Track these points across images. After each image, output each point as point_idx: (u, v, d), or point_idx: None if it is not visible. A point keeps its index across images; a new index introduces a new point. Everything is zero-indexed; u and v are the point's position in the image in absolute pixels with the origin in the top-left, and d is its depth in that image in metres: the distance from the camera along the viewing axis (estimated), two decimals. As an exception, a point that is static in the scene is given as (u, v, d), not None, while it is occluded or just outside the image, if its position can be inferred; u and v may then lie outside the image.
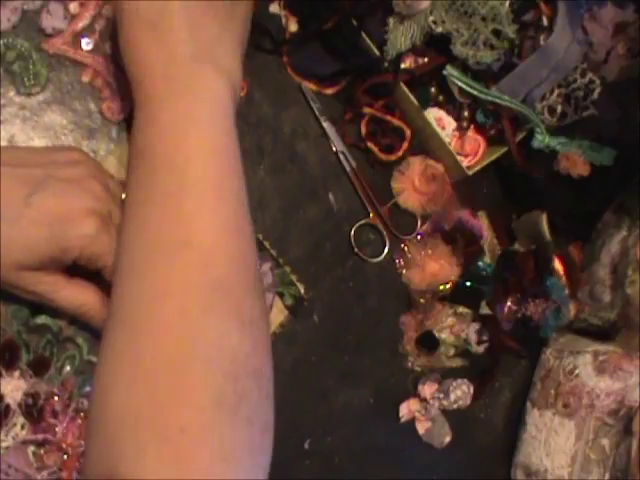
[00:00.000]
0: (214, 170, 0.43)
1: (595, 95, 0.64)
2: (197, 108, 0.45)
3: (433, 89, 0.68)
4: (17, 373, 0.53)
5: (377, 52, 0.65)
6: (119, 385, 0.37)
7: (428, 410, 0.68)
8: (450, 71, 0.64)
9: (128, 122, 0.61)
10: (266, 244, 0.64)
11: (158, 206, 0.41)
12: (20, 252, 0.45)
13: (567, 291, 0.70)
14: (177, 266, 0.39)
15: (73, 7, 0.59)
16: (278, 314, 0.64)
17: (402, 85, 0.65)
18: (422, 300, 0.69)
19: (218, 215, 0.42)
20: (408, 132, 0.68)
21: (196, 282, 0.39)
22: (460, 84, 0.65)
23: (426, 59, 0.67)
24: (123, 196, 0.51)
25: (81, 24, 0.60)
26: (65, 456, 0.53)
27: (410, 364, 0.70)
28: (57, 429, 0.53)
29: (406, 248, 0.69)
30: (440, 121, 0.68)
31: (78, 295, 0.49)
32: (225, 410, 0.36)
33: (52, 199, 0.46)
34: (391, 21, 0.64)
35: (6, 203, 0.45)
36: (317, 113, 0.67)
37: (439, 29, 0.63)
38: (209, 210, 0.41)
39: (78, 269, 0.49)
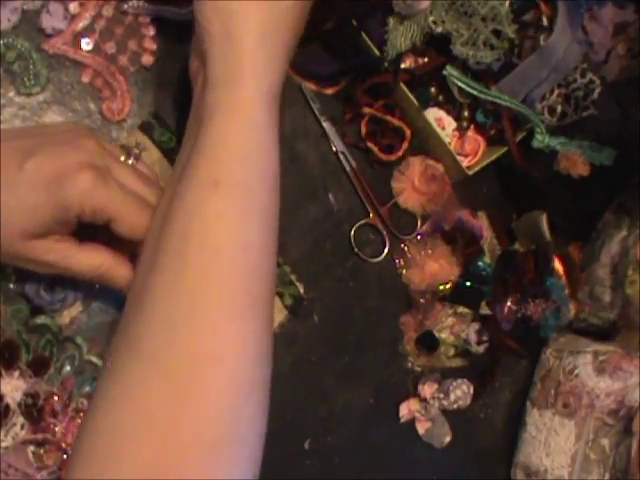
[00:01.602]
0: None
1: (595, 95, 0.64)
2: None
3: (433, 89, 0.68)
4: (17, 373, 0.53)
5: (377, 52, 0.65)
6: (145, 448, 0.33)
7: (428, 410, 0.68)
8: (450, 71, 0.64)
9: (128, 122, 0.61)
10: (266, 244, 0.64)
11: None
12: (23, 219, 0.44)
13: (567, 291, 0.70)
14: (235, 328, 0.36)
15: (73, 7, 0.59)
16: (278, 314, 0.64)
17: (402, 85, 0.65)
18: (422, 300, 0.69)
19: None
20: (408, 132, 0.68)
21: (250, 353, 0.36)
22: (460, 84, 0.65)
23: (426, 59, 0.67)
24: (122, 158, 0.51)
25: (81, 24, 0.60)
26: (65, 456, 0.53)
27: (410, 364, 0.70)
28: (57, 429, 0.53)
29: (406, 248, 0.69)
30: (440, 121, 0.68)
31: (93, 257, 0.48)
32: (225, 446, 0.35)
33: (46, 162, 0.45)
34: (391, 21, 0.64)
35: (2, 174, 0.44)
36: (317, 113, 0.67)
37: (439, 29, 0.63)
38: (266, 266, 0.42)
39: (88, 235, 0.49)
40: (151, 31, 0.62)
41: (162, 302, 0.37)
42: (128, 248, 0.50)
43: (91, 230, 0.48)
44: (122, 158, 0.51)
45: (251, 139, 0.44)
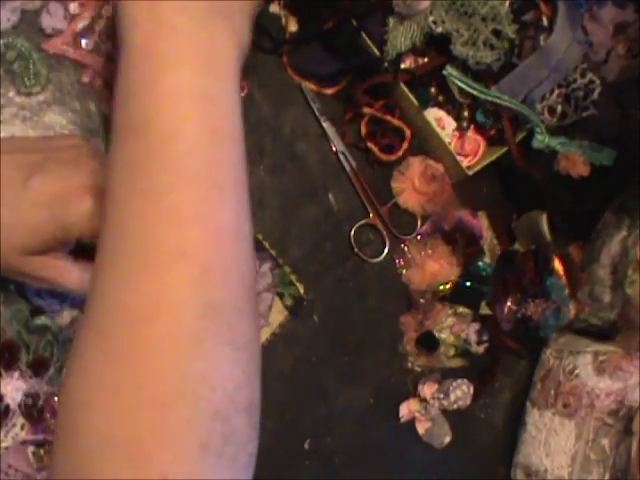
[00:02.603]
0: (217, 162, 0.37)
1: (595, 95, 0.64)
2: (206, 79, 0.37)
3: (433, 89, 0.68)
4: (17, 374, 0.53)
5: (377, 52, 0.65)
6: (95, 416, 0.32)
7: (428, 410, 0.68)
8: (450, 71, 0.64)
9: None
10: (266, 244, 0.64)
11: (149, 203, 0.35)
12: (23, 236, 0.45)
13: (567, 291, 0.70)
14: (169, 282, 0.33)
15: (73, 7, 0.59)
16: (278, 314, 0.64)
17: (402, 85, 0.65)
18: (422, 300, 0.69)
19: (217, 220, 0.36)
20: (408, 132, 0.68)
21: (190, 303, 0.33)
22: (460, 84, 0.65)
23: (426, 59, 0.67)
24: None
25: (81, 24, 0.60)
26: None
27: (410, 364, 0.70)
28: (57, 429, 0.53)
29: (406, 248, 0.69)
30: (440, 121, 0.68)
31: (88, 275, 0.49)
32: (210, 454, 0.33)
33: (50, 180, 0.45)
34: (391, 21, 0.64)
35: (6, 188, 0.45)
36: (317, 113, 0.67)
37: (439, 29, 0.63)
38: (208, 213, 0.35)
39: (84, 253, 0.49)
40: (151, 31, 0.62)
41: (99, 270, 0.36)
42: None
43: (88, 247, 0.49)
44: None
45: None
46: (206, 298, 0.34)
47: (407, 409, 0.69)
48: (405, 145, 0.68)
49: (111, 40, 0.60)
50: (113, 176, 0.37)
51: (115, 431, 0.31)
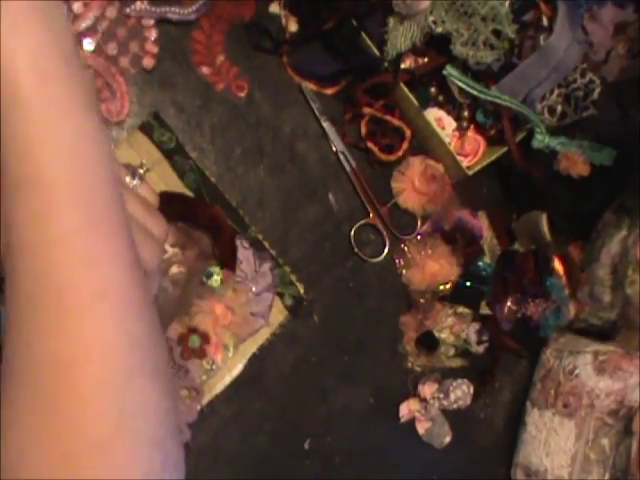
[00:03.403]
0: (112, 201, 0.36)
1: (595, 95, 0.64)
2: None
3: (433, 89, 0.68)
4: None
5: (377, 52, 0.65)
6: (35, 466, 0.32)
7: (428, 410, 0.68)
8: (450, 71, 0.64)
9: (128, 122, 0.61)
10: (266, 244, 0.64)
11: (61, 248, 0.35)
12: None
13: (567, 291, 0.70)
14: (94, 324, 0.33)
15: (77, 7, 0.59)
16: (278, 314, 0.64)
17: (402, 85, 0.65)
18: (422, 300, 0.69)
19: (129, 255, 0.36)
20: (408, 132, 0.68)
21: (117, 341, 0.34)
22: (460, 84, 0.65)
23: (426, 59, 0.67)
24: (127, 179, 0.51)
25: (84, 24, 0.60)
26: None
27: (410, 364, 0.70)
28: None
29: (406, 248, 0.69)
30: (440, 121, 0.68)
31: None
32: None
33: None
34: (391, 21, 0.64)
35: None
36: (317, 113, 0.67)
37: (439, 29, 0.63)
38: (119, 249, 0.35)
39: None
40: (153, 34, 0.62)
41: (17, 321, 0.36)
42: None
43: None
44: (127, 179, 0.51)
45: None
46: (130, 334, 0.35)
47: (407, 409, 0.69)
48: (405, 145, 0.68)
49: (113, 41, 0.60)
50: (18, 226, 0.35)
51: (57, 478, 0.32)
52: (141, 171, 0.52)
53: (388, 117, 0.67)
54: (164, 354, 0.37)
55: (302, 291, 0.65)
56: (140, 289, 0.36)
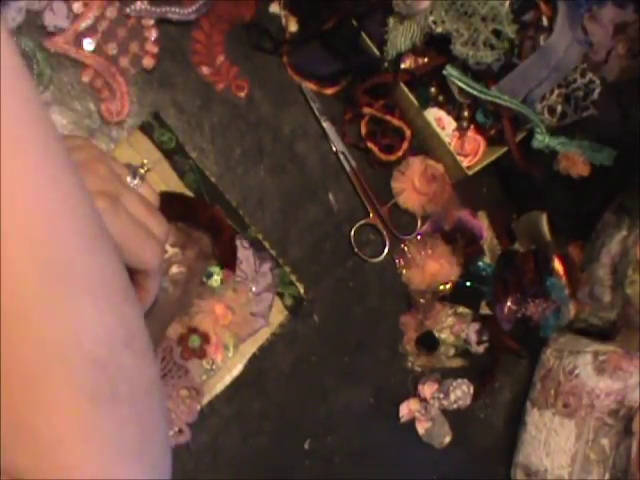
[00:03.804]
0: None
1: (595, 95, 0.64)
2: None
3: (433, 89, 0.68)
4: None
5: (377, 52, 0.65)
6: None
7: (428, 410, 0.68)
8: (450, 71, 0.64)
9: (128, 122, 0.61)
10: (266, 244, 0.64)
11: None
12: None
13: (567, 291, 0.70)
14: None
15: (77, 7, 0.59)
16: (278, 314, 0.64)
17: (402, 85, 0.65)
18: (422, 300, 0.69)
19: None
20: (408, 132, 0.68)
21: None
22: (460, 84, 0.65)
23: (426, 59, 0.67)
24: (128, 179, 0.51)
25: (84, 24, 0.60)
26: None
27: (410, 364, 0.70)
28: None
29: (406, 248, 0.69)
30: (440, 121, 0.68)
31: None
32: (103, 404, 0.31)
33: None
34: (391, 21, 0.64)
35: None
36: (317, 113, 0.67)
37: (439, 29, 0.63)
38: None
39: None
40: (153, 34, 0.62)
41: None
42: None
43: None
44: (128, 179, 0.51)
45: None
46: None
47: (407, 409, 0.69)
48: (405, 145, 0.68)
49: (113, 41, 0.60)
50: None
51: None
52: (142, 171, 0.52)
53: (388, 117, 0.67)
54: (105, 261, 0.34)
55: (302, 291, 0.65)
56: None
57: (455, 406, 0.69)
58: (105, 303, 0.33)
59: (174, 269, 0.60)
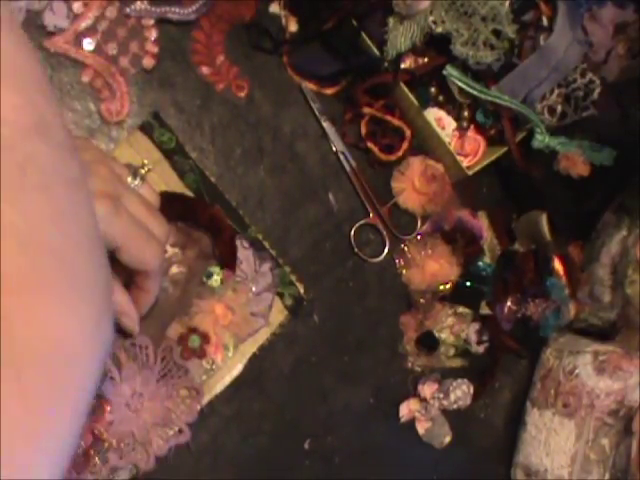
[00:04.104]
0: None
1: (595, 95, 0.64)
2: None
3: (433, 89, 0.68)
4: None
5: (377, 52, 0.65)
6: None
7: (428, 410, 0.68)
8: (450, 71, 0.64)
9: (128, 122, 0.61)
10: (266, 244, 0.64)
11: None
12: None
13: (567, 291, 0.70)
14: None
15: (77, 7, 0.59)
16: (278, 314, 0.64)
17: (402, 85, 0.65)
18: (422, 300, 0.69)
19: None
20: (408, 132, 0.68)
21: None
22: (460, 84, 0.65)
23: (426, 59, 0.67)
24: (129, 180, 0.51)
25: (84, 24, 0.60)
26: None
27: (410, 364, 0.70)
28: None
29: (406, 248, 0.69)
30: (440, 121, 0.68)
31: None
32: (12, 191, 0.28)
33: None
34: (391, 21, 0.64)
35: None
36: (317, 113, 0.67)
37: (439, 29, 0.63)
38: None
39: None
40: (153, 34, 0.62)
41: None
42: (124, 276, 0.51)
43: None
44: (129, 179, 0.51)
45: None
46: None
47: (407, 409, 0.69)
48: (405, 145, 0.68)
49: (113, 41, 0.60)
50: None
51: None
52: (143, 172, 0.52)
53: (388, 117, 0.67)
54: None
55: (302, 291, 0.65)
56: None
57: (455, 406, 0.69)
58: (13, 88, 0.30)
59: (174, 269, 0.60)
